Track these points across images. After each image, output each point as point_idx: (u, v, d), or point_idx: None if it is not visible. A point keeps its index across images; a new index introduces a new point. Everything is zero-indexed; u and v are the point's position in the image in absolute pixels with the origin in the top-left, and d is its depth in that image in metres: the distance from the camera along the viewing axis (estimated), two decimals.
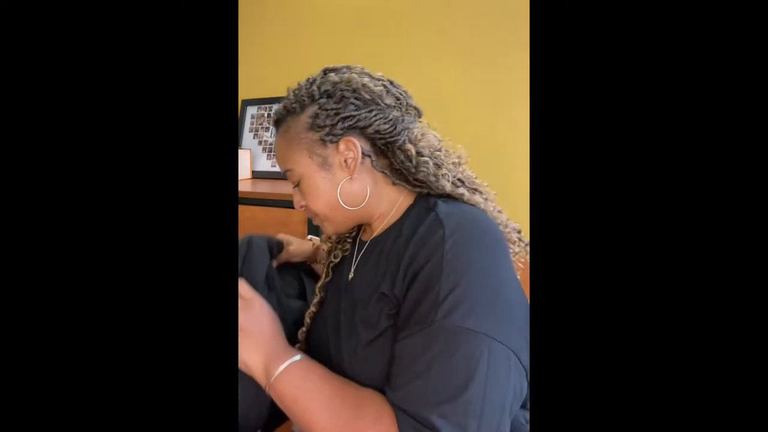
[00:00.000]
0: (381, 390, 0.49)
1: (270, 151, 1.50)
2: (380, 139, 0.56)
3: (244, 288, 0.54)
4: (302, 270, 0.81)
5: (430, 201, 0.55)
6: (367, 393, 0.49)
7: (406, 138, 0.56)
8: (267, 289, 0.67)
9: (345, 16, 1.41)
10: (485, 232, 0.51)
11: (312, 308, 0.66)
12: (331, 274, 0.67)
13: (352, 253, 0.65)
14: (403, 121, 0.56)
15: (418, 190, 0.58)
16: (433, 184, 0.56)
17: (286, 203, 1.14)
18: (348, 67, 0.58)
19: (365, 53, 1.37)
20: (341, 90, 0.55)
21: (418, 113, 0.61)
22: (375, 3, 1.36)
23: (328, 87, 0.56)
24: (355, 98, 0.55)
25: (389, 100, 0.56)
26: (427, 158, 0.56)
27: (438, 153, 0.58)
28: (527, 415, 0.57)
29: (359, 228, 0.67)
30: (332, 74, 0.57)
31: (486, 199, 0.60)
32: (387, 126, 0.55)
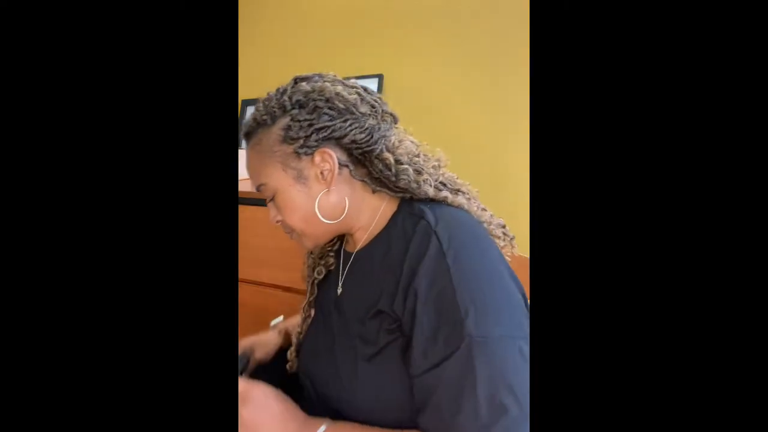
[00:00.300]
0: (386, 413, 0.48)
1: None
2: (357, 148, 0.54)
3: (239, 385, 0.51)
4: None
5: (415, 207, 0.54)
6: None
7: (384, 146, 0.54)
8: None
9: (345, 16, 1.41)
10: (477, 235, 0.51)
11: (298, 328, 0.64)
12: (316, 291, 0.65)
13: (337, 267, 0.62)
14: (379, 129, 0.55)
15: (400, 195, 0.56)
16: (415, 190, 0.54)
17: None
18: (320, 75, 0.57)
19: (365, 54, 1.37)
20: (314, 100, 0.53)
21: (395, 120, 0.59)
22: (375, 3, 1.35)
23: (300, 97, 0.54)
24: (329, 108, 0.53)
25: (364, 108, 0.55)
26: (406, 165, 0.54)
27: (417, 159, 0.56)
28: None
29: (341, 239, 0.65)
30: (303, 83, 0.55)
31: (469, 199, 0.59)
32: (363, 135, 0.53)
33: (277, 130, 0.54)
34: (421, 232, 0.50)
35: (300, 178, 0.54)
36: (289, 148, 0.54)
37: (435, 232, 0.49)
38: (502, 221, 0.62)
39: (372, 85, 1.25)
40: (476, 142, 1.17)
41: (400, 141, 0.57)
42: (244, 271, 1.11)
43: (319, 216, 0.55)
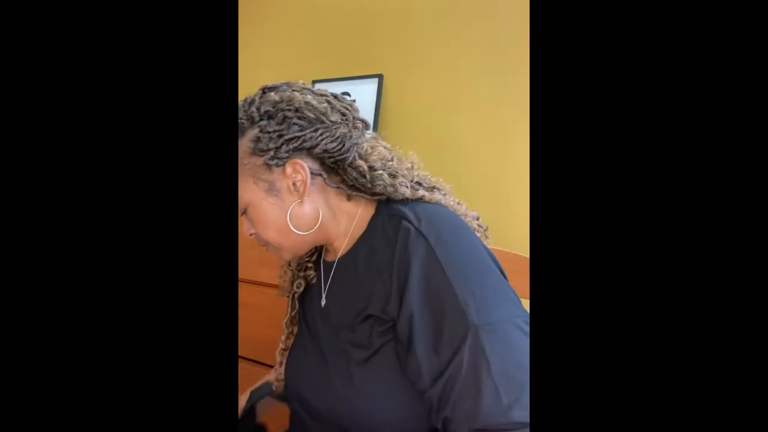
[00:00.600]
0: (383, 412, 0.48)
1: None
2: (329, 157, 0.54)
3: None
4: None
5: (393, 208, 0.54)
6: None
7: (356, 154, 0.54)
8: None
9: (345, 16, 1.41)
10: (460, 228, 0.52)
11: (281, 345, 0.64)
12: (297, 305, 0.64)
13: (318, 279, 0.61)
14: (351, 137, 0.54)
15: (377, 197, 0.56)
16: (392, 194, 0.54)
17: None
18: (288, 84, 0.56)
19: (365, 54, 1.36)
20: (283, 110, 0.53)
21: (366, 126, 0.59)
22: (375, 4, 1.35)
23: (269, 107, 0.53)
24: (299, 118, 0.52)
25: (335, 117, 0.54)
26: (381, 171, 0.54)
27: (391, 163, 0.56)
28: None
29: (320, 249, 0.64)
30: (272, 93, 0.55)
31: (445, 195, 0.59)
32: (335, 144, 0.53)
33: (246, 142, 0.53)
34: (405, 233, 0.49)
35: (272, 190, 0.54)
36: (259, 160, 0.53)
37: (420, 232, 0.49)
38: (476, 214, 0.63)
39: (372, 85, 1.25)
40: (476, 141, 1.17)
41: (372, 147, 0.56)
42: (244, 271, 1.11)
43: (292, 228, 0.54)
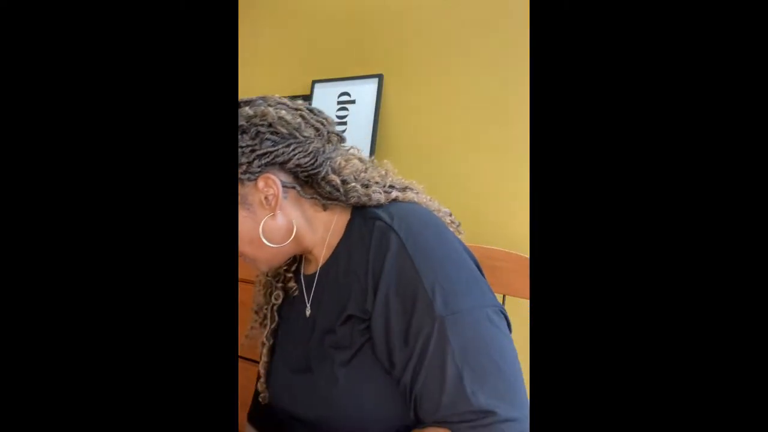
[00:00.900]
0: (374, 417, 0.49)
1: None
2: (302, 171, 0.54)
3: None
4: None
5: (368, 212, 0.54)
6: None
7: (329, 168, 0.55)
8: None
9: (345, 17, 1.41)
10: (430, 221, 0.53)
11: (264, 358, 0.63)
12: (277, 317, 0.64)
13: (300, 290, 0.62)
14: (324, 151, 0.55)
15: (352, 203, 0.56)
16: (367, 202, 0.55)
17: None
18: (263, 98, 0.56)
19: (365, 54, 1.37)
20: (256, 125, 0.53)
21: (341, 140, 0.59)
22: (375, 4, 1.35)
23: (242, 122, 0.53)
24: (272, 133, 0.53)
25: (308, 132, 0.55)
26: (353, 183, 0.55)
27: (364, 174, 0.57)
28: None
29: (299, 259, 0.64)
30: (246, 108, 0.55)
31: (417, 193, 0.60)
32: (307, 159, 0.53)
33: None
34: (379, 232, 0.51)
35: (244, 203, 0.54)
36: None
37: (393, 229, 0.50)
38: (448, 210, 0.64)
39: (372, 85, 1.25)
40: (476, 141, 1.17)
41: (346, 160, 0.57)
42: (244, 271, 1.11)
43: (265, 241, 0.55)
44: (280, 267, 0.64)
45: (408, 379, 0.47)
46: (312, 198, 0.56)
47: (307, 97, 1.33)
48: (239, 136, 0.53)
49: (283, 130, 0.53)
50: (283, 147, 0.53)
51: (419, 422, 0.48)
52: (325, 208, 0.57)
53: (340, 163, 0.56)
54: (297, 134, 0.54)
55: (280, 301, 0.64)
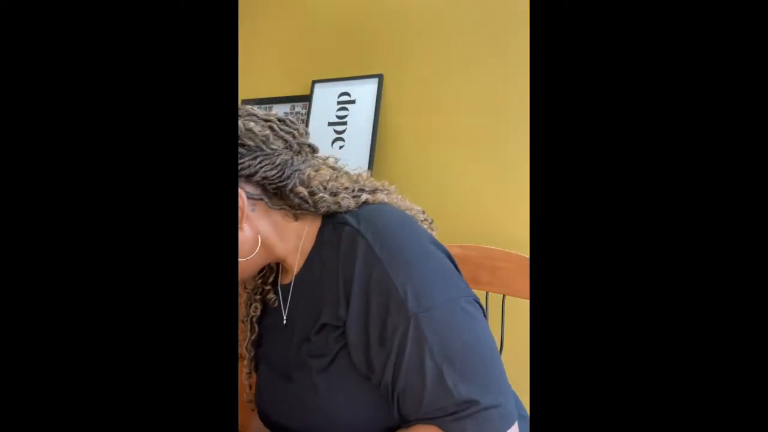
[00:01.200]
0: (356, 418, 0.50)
1: None
2: (269, 184, 0.54)
3: None
4: None
5: (338, 217, 0.54)
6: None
7: (297, 180, 0.54)
8: None
9: (345, 17, 1.41)
10: (398, 219, 0.53)
11: (246, 369, 0.63)
12: (257, 328, 0.64)
13: (278, 301, 0.62)
14: (292, 164, 0.54)
15: (322, 213, 0.56)
16: (337, 210, 0.55)
17: None
18: None
19: (365, 54, 1.37)
20: None
21: (313, 150, 0.59)
22: (375, 4, 1.35)
23: None
24: (239, 145, 0.52)
25: (276, 144, 0.54)
26: (321, 194, 0.54)
27: (333, 183, 0.56)
28: None
29: (276, 270, 0.65)
30: None
31: (388, 193, 0.60)
32: (275, 171, 0.53)
33: None
34: (347, 238, 0.51)
35: None
36: None
37: (360, 233, 0.50)
38: (421, 208, 0.64)
39: (372, 85, 1.25)
40: (476, 141, 1.17)
41: (316, 170, 0.56)
42: None
43: None
44: (255, 278, 0.65)
45: (389, 379, 0.47)
46: (281, 209, 0.56)
47: (307, 97, 1.33)
48: None
49: (250, 143, 0.53)
50: (249, 159, 0.52)
51: (404, 421, 0.48)
52: (296, 217, 0.57)
53: (309, 174, 0.55)
54: (264, 147, 0.53)
55: (258, 312, 0.64)
